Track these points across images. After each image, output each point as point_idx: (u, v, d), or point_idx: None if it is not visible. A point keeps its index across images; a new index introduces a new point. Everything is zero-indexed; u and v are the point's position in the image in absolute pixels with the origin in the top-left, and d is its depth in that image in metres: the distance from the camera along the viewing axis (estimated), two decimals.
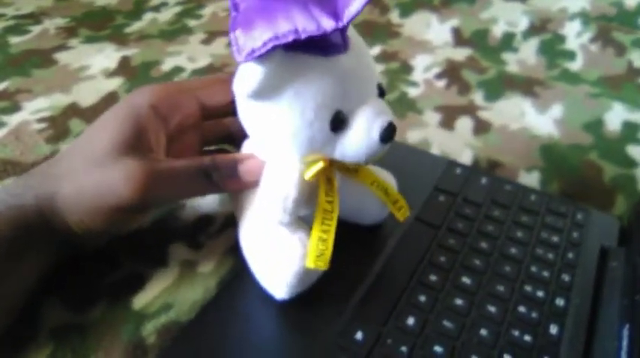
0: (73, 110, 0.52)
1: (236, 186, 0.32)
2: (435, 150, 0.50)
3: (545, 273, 0.36)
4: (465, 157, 0.49)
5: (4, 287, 0.30)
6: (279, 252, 0.31)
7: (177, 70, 0.60)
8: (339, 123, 0.29)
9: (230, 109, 0.32)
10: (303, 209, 0.31)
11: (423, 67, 0.63)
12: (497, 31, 0.71)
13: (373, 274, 0.35)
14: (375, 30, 0.71)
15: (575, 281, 0.36)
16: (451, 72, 0.62)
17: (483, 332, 0.32)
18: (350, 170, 0.34)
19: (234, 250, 0.37)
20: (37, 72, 0.58)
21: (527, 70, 0.64)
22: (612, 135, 0.53)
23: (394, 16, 0.74)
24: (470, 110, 0.56)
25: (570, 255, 0.38)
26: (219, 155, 0.33)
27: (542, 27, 0.72)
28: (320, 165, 0.30)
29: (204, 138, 0.38)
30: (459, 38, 0.70)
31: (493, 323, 0.33)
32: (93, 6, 0.74)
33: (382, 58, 0.65)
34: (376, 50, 0.66)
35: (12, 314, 0.32)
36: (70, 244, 0.33)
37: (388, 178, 0.37)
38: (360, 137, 0.29)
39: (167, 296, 0.35)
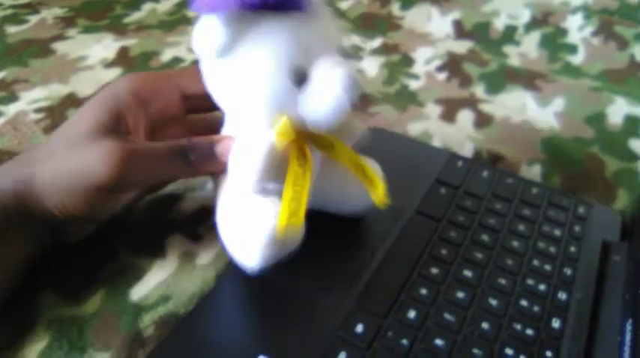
0: (70, 100, 0.52)
1: (213, 167, 0.32)
2: (436, 143, 0.50)
3: (547, 267, 0.36)
4: (467, 150, 0.49)
5: None
6: (250, 217, 0.30)
7: (177, 60, 0.59)
8: (299, 77, 0.29)
9: (212, 101, 0.31)
10: (273, 179, 0.30)
11: (424, 60, 0.63)
12: (499, 24, 0.71)
13: (374, 267, 0.35)
14: (375, 22, 0.71)
15: (577, 275, 0.36)
16: (452, 65, 0.62)
17: (485, 325, 0.32)
18: (325, 145, 0.33)
19: None
20: (35, 62, 0.58)
21: (528, 63, 0.63)
22: (614, 129, 0.53)
23: (395, 9, 0.74)
24: (471, 103, 0.55)
25: (572, 249, 0.38)
26: (196, 136, 0.33)
27: (544, 20, 0.71)
28: (284, 119, 0.29)
29: (186, 133, 0.37)
30: (461, 31, 0.69)
31: (495, 316, 0.33)
32: None
33: (383, 50, 0.64)
34: (377, 42, 0.66)
35: None
36: (53, 231, 0.33)
37: (371, 163, 0.35)
38: (320, 88, 0.29)
39: (165, 287, 0.34)
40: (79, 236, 0.36)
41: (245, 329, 0.32)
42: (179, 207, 0.40)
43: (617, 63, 0.64)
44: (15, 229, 0.31)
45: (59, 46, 0.61)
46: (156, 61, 0.59)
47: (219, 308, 0.32)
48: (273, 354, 0.29)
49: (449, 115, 0.53)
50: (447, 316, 0.32)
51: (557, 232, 0.39)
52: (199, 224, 0.39)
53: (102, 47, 0.61)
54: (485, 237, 0.38)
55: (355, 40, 0.66)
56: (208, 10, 0.27)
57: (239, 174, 0.30)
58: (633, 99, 0.57)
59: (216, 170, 0.33)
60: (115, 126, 0.32)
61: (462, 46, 0.66)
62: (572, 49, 0.66)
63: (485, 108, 0.55)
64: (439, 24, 0.71)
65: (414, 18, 0.72)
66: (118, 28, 0.65)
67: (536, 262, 0.36)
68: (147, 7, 0.71)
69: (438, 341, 0.31)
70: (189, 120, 0.37)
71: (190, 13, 0.70)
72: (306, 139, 0.31)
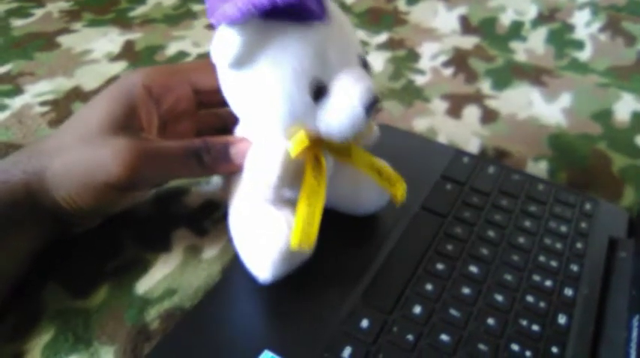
0: (76, 94, 0.52)
1: (227, 169, 0.32)
2: (442, 139, 0.49)
3: (554, 263, 0.36)
4: (472, 146, 0.49)
5: None
6: (263, 232, 0.30)
7: (182, 54, 0.59)
8: (318, 91, 0.28)
9: (221, 94, 0.31)
10: (288, 187, 0.30)
11: (430, 55, 0.62)
12: (506, 19, 0.70)
13: (379, 262, 0.35)
14: (381, 17, 0.70)
15: (583, 272, 0.36)
16: (458, 60, 0.62)
17: (491, 321, 0.32)
18: (341, 152, 0.33)
19: None
20: (40, 55, 0.58)
21: (535, 59, 0.63)
22: (621, 126, 0.53)
23: (401, 4, 0.74)
24: (477, 99, 0.55)
25: (579, 245, 0.38)
26: (210, 137, 0.32)
27: (551, 16, 0.71)
28: (302, 136, 0.29)
29: (198, 128, 0.37)
30: (467, 26, 0.69)
31: (500, 312, 0.32)
32: None
33: (389, 45, 0.64)
34: (383, 37, 0.65)
35: (2, 296, 0.31)
36: (59, 224, 0.33)
37: (385, 164, 0.36)
38: (339, 103, 0.29)
39: (171, 281, 0.34)
40: (86, 228, 0.36)
41: (250, 324, 0.32)
42: (185, 201, 0.40)
43: (625, 59, 0.63)
44: (24, 221, 0.31)
45: (64, 40, 0.61)
46: (161, 54, 0.59)
47: (224, 302, 0.32)
48: (278, 348, 0.29)
49: (455, 111, 0.53)
50: (453, 312, 0.32)
51: (563, 228, 0.39)
52: (205, 218, 0.39)
53: (107, 41, 0.61)
54: (491, 233, 0.38)
55: (361, 35, 0.65)
56: (223, 20, 0.26)
57: (255, 182, 0.30)
58: None
59: (229, 171, 0.33)
60: (128, 121, 0.32)
61: (468, 42, 0.66)
62: (579, 45, 0.66)
63: (491, 104, 0.55)
64: (445, 19, 0.70)
65: (420, 13, 0.72)
66: (123, 22, 0.65)
67: (542, 258, 0.36)
68: (152, 1, 0.71)
69: (444, 337, 0.31)
70: (201, 115, 0.37)
71: (195, 7, 0.70)
72: (322, 147, 0.31)
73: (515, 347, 0.31)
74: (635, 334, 0.31)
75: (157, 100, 0.34)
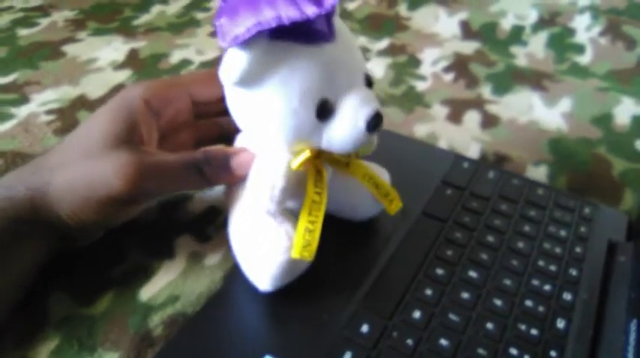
0: (81, 102, 0.52)
1: (228, 180, 0.33)
2: (442, 144, 0.50)
3: (553, 267, 0.36)
4: (473, 151, 0.49)
5: None
6: (264, 243, 0.30)
7: (186, 62, 0.60)
8: (324, 111, 0.29)
9: (223, 105, 0.32)
10: (290, 199, 0.31)
11: (431, 61, 0.63)
12: (506, 24, 0.71)
13: (379, 267, 0.35)
14: (382, 23, 0.71)
15: (582, 276, 0.36)
16: (459, 65, 0.62)
17: (490, 326, 0.32)
18: (341, 163, 0.34)
19: None
20: (46, 64, 0.58)
21: (536, 63, 0.63)
22: (621, 130, 0.53)
23: (402, 9, 0.74)
24: (478, 104, 0.56)
25: (578, 250, 0.38)
26: (211, 149, 0.33)
27: (552, 20, 0.71)
28: (306, 154, 0.30)
29: (197, 137, 0.38)
30: (468, 31, 0.69)
31: (500, 317, 0.33)
32: None
33: (390, 51, 0.64)
34: (384, 43, 0.66)
35: (8, 307, 0.32)
36: (63, 237, 0.34)
37: (381, 173, 0.36)
38: (345, 125, 0.29)
39: (174, 287, 0.35)
40: (89, 241, 0.36)
41: (252, 329, 0.32)
42: (187, 208, 0.41)
43: (625, 63, 0.64)
44: (28, 235, 0.32)
45: (69, 49, 0.61)
46: (165, 62, 0.60)
47: (226, 308, 0.33)
48: (279, 353, 0.30)
49: (455, 116, 0.54)
50: (452, 316, 0.32)
51: (562, 233, 0.39)
52: (208, 225, 0.39)
53: (112, 49, 0.62)
54: (490, 238, 0.38)
55: (362, 41, 0.66)
56: (233, 42, 0.26)
57: (257, 194, 0.30)
58: None
59: (231, 182, 0.33)
60: (128, 136, 0.32)
61: (468, 47, 0.66)
62: (580, 49, 0.66)
63: (491, 109, 0.55)
64: (446, 24, 0.71)
65: (421, 19, 0.72)
66: (127, 31, 0.66)
67: (541, 263, 0.37)
68: (156, 10, 0.72)
69: (443, 342, 0.31)
70: (200, 125, 0.38)
71: (199, 15, 0.71)
72: (322, 159, 0.32)
73: (514, 351, 0.31)
74: (632, 338, 0.31)
75: (157, 113, 0.34)
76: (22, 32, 0.65)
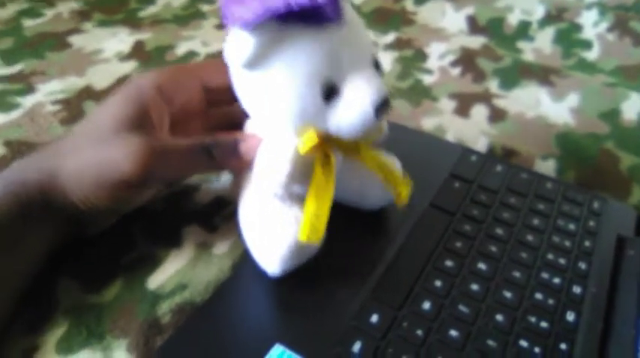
0: (87, 93, 0.52)
1: (237, 164, 0.33)
2: (449, 138, 0.50)
3: (562, 261, 0.36)
4: (480, 145, 0.49)
5: (6, 264, 0.31)
6: (273, 227, 0.31)
7: (191, 54, 0.60)
8: (330, 92, 0.29)
9: (233, 93, 0.32)
10: (297, 183, 0.31)
11: (438, 55, 0.62)
12: (513, 19, 0.70)
13: (388, 258, 0.35)
14: (389, 17, 0.71)
15: (591, 270, 0.36)
16: (466, 60, 0.62)
17: (499, 317, 0.32)
18: (350, 149, 0.33)
19: None
20: (51, 55, 0.58)
21: (543, 58, 0.63)
22: (629, 125, 0.53)
23: (409, 4, 0.74)
24: (485, 98, 0.55)
25: (587, 244, 0.38)
26: (220, 133, 0.33)
27: (559, 16, 0.71)
28: (314, 139, 0.29)
29: (208, 126, 0.38)
30: (474, 26, 0.69)
31: (509, 309, 0.33)
32: None
33: (396, 45, 0.64)
34: (390, 37, 0.66)
35: (18, 294, 0.32)
36: (74, 223, 0.34)
37: (393, 161, 0.36)
38: (352, 109, 0.29)
39: (182, 276, 0.35)
40: (100, 229, 0.36)
41: (261, 318, 0.32)
42: (195, 198, 0.41)
43: (632, 59, 0.63)
44: (39, 220, 0.32)
45: (75, 40, 0.61)
46: (171, 54, 0.60)
47: (235, 296, 0.33)
48: (289, 342, 0.30)
49: (463, 110, 0.53)
50: (462, 308, 0.32)
51: (571, 227, 0.39)
52: (215, 214, 0.39)
53: (117, 41, 0.61)
54: (499, 231, 0.38)
55: (369, 35, 0.66)
56: (239, 23, 0.26)
57: (264, 180, 0.30)
58: None
59: (239, 167, 0.33)
60: (139, 121, 0.32)
61: (475, 42, 0.66)
62: (587, 44, 0.66)
63: (499, 103, 0.55)
64: (453, 19, 0.70)
65: (428, 13, 0.72)
66: (133, 22, 0.66)
67: (550, 256, 0.36)
68: (161, 1, 0.71)
69: (453, 332, 0.31)
70: (211, 113, 0.38)
71: (204, 7, 0.70)
72: (331, 144, 0.31)
73: (524, 343, 0.31)
74: None
75: (168, 100, 0.34)
76: (28, 23, 0.64)
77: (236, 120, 0.37)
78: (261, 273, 0.32)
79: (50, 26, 0.64)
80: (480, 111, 0.53)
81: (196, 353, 0.30)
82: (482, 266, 0.35)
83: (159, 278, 0.35)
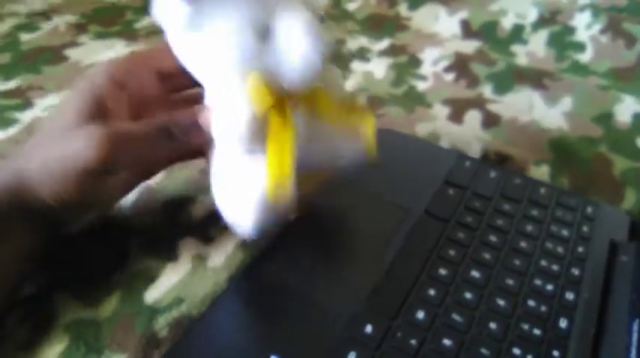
0: None
1: (198, 139, 0.33)
2: (444, 144, 0.50)
3: (555, 267, 0.36)
4: (474, 150, 0.49)
5: None
6: (240, 183, 0.30)
7: None
8: (264, 33, 0.29)
9: (191, 77, 0.32)
10: (258, 140, 0.30)
11: (432, 60, 0.63)
12: (507, 23, 0.71)
13: (382, 268, 0.35)
14: (383, 23, 0.71)
15: (584, 275, 0.36)
16: (460, 65, 0.62)
17: (493, 325, 0.32)
18: (308, 101, 0.32)
19: (245, 244, 0.38)
20: (48, 69, 0.59)
21: (536, 62, 0.64)
22: (622, 128, 0.53)
23: (402, 9, 0.74)
24: (479, 103, 0.56)
25: (580, 249, 0.38)
26: (176, 111, 0.33)
27: (552, 18, 0.71)
28: (255, 75, 0.29)
29: (172, 112, 0.38)
30: (468, 30, 0.70)
31: (502, 316, 0.33)
32: (102, 2, 0.75)
33: (390, 51, 0.64)
34: (384, 44, 0.66)
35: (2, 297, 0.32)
36: (50, 221, 0.34)
37: (355, 102, 0.36)
38: (287, 48, 0.29)
39: (179, 290, 0.35)
40: (78, 225, 0.36)
41: (256, 330, 0.32)
42: (190, 210, 0.41)
43: (626, 61, 0.64)
44: (12, 224, 0.32)
45: (72, 53, 0.62)
46: None
47: (231, 309, 0.33)
48: (284, 354, 0.30)
49: (456, 116, 0.54)
50: (456, 316, 0.33)
51: (565, 232, 0.39)
52: (211, 226, 0.40)
53: (113, 53, 0.62)
54: (493, 238, 0.38)
55: (363, 41, 0.66)
56: None
57: (223, 137, 0.30)
58: None
59: (201, 141, 0.33)
60: (96, 112, 0.32)
61: (469, 46, 0.66)
62: (580, 47, 0.66)
63: (493, 108, 0.55)
64: (447, 24, 0.71)
65: (422, 18, 0.72)
66: (129, 34, 0.66)
67: (544, 262, 0.37)
68: None
69: (447, 342, 0.31)
70: (173, 100, 0.38)
71: None
72: (287, 102, 0.31)
73: (517, 351, 0.31)
74: (635, 338, 0.31)
75: (121, 86, 0.34)
76: (25, 37, 0.65)
77: (198, 103, 0.37)
78: (256, 285, 0.33)
79: (46, 40, 0.64)
80: (473, 117, 0.54)
81: None
82: (475, 274, 0.35)
83: (156, 292, 0.35)
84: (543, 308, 0.34)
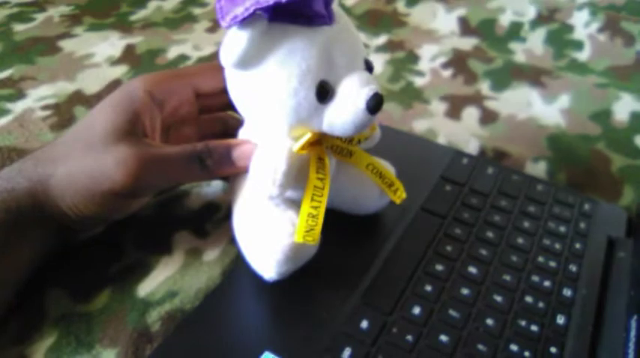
0: (77, 98, 0.52)
1: (230, 171, 0.33)
2: (441, 140, 0.50)
3: (552, 263, 0.36)
4: (472, 147, 0.49)
5: None
6: (268, 230, 0.30)
7: (182, 58, 0.60)
8: (324, 92, 0.29)
9: (225, 99, 0.32)
10: (293, 188, 0.31)
11: (430, 57, 0.62)
12: (505, 20, 0.70)
13: (379, 263, 0.35)
14: (380, 19, 0.71)
15: (582, 272, 0.36)
16: (458, 61, 0.62)
17: (489, 321, 0.32)
18: (344, 152, 0.34)
19: None
20: (42, 59, 0.58)
21: (534, 59, 0.63)
22: (620, 126, 0.53)
23: (400, 5, 0.74)
24: (476, 100, 0.55)
25: (577, 246, 0.38)
26: (212, 141, 0.33)
27: (550, 16, 0.71)
28: (308, 135, 0.30)
29: (201, 133, 0.38)
30: (466, 27, 0.69)
31: (499, 313, 0.33)
32: None
33: (388, 47, 0.64)
34: (382, 40, 0.66)
35: (7, 302, 0.32)
36: (65, 230, 0.33)
37: (385, 165, 0.36)
38: (345, 106, 0.29)
39: (172, 283, 0.35)
40: (89, 235, 0.36)
41: (250, 325, 0.32)
42: (185, 204, 0.40)
43: (624, 59, 0.64)
44: (29, 228, 0.31)
45: (66, 44, 0.61)
46: (162, 58, 0.59)
47: (225, 304, 0.33)
48: (279, 349, 0.30)
49: (454, 112, 0.53)
50: (452, 312, 0.32)
51: (562, 229, 0.39)
52: (206, 220, 0.39)
53: (108, 45, 0.61)
54: (490, 234, 0.38)
55: (360, 37, 0.66)
56: (232, 21, 0.27)
57: (259, 183, 0.30)
58: (639, 95, 0.57)
59: (232, 174, 0.33)
60: (131, 127, 0.32)
61: (467, 43, 0.66)
62: (578, 45, 0.66)
63: (490, 105, 0.55)
64: (444, 21, 0.70)
65: (420, 15, 0.72)
66: (123, 26, 0.65)
67: (541, 259, 0.36)
68: (152, 5, 0.71)
69: (443, 338, 0.31)
70: (203, 120, 0.37)
71: (196, 11, 0.70)
72: (325, 147, 0.32)
73: (514, 347, 0.31)
74: (633, 334, 0.31)
75: (160, 104, 0.34)
76: (18, 27, 0.64)
77: (229, 126, 0.37)
78: (250, 280, 0.32)
79: (40, 31, 0.64)
80: (471, 114, 0.53)
81: None
82: (472, 269, 0.35)
83: (149, 286, 0.35)
84: (541, 305, 0.33)
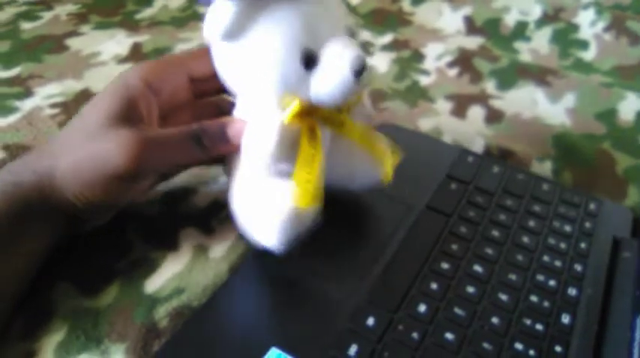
0: (85, 96, 0.52)
1: (226, 149, 0.33)
2: (446, 139, 0.50)
3: (558, 263, 0.36)
4: (477, 146, 0.49)
5: (5, 266, 0.31)
6: (265, 200, 0.31)
7: None
8: (309, 60, 0.30)
9: (219, 83, 0.33)
10: (286, 160, 0.31)
11: (435, 56, 0.63)
12: (510, 19, 0.70)
13: (384, 261, 0.35)
14: (386, 18, 0.71)
15: (587, 272, 0.36)
16: (463, 60, 0.62)
17: (495, 320, 0.32)
18: (335, 122, 0.33)
19: None
20: (49, 57, 0.58)
21: (540, 59, 0.63)
22: (626, 125, 0.53)
23: (406, 4, 0.74)
24: (482, 99, 0.56)
25: (583, 245, 0.38)
26: (207, 121, 0.33)
27: (556, 16, 0.71)
28: (296, 104, 0.30)
29: (197, 117, 0.38)
30: (471, 27, 0.69)
31: (505, 311, 0.33)
32: None
33: (393, 46, 0.64)
34: (387, 38, 0.66)
35: (17, 295, 0.32)
36: (72, 220, 0.34)
37: (379, 137, 0.36)
38: (330, 72, 0.30)
39: (179, 280, 0.35)
40: (97, 224, 0.36)
41: (257, 321, 0.32)
42: (192, 201, 0.41)
43: (629, 59, 0.63)
44: (36, 221, 0.32)
45: (73, 42, 0.61)
46: None
47: (231, 300, 0.33)
48: (285, 346, 0.30)
49: (459, 111, 0.54)
50: (457, 310, 0.32)
51: (567, 228, 0.39)
52: (212, 217, 0.39)
53: (115, 43, 0.61)
54: (495, 233, 0.38)
55: (366, 35, 0.66)
56: None
57: (253, 156, 0.30)
58: None
59: (228, 152, 0.33)
60: (128, 114, 0.32)
61: (472, 42, 0.66)
62: (584, 44, 0.66)
63: (495, 104, 0.55)
64: (450, 20, 0.70)
65: (425, 14, 0.72)
66: (130, 25, 0.66)
67: (546, 258, 0.37)
68: (159, 4, 0.71)
69: (448, 335, 0.31)
70: (198, 105, 0.38)
71: (202, 9, 0.70)
72: (316, 118, 0.32)
73: (519, 346, 0.31)
74: (638, 334, 0.31)
75: (156, 92, 0.34)
76: (26, 26, 0.64)
77: (223, 109, 0.38)
78: (257, 277, 0.32)
79: (48, 29, 0.64)
80: (476, 112, 0.54)
81: None
82: (478, 268, 0.35)
83: (156, 282, 0.35)
84: (546, 304, 0.33)
